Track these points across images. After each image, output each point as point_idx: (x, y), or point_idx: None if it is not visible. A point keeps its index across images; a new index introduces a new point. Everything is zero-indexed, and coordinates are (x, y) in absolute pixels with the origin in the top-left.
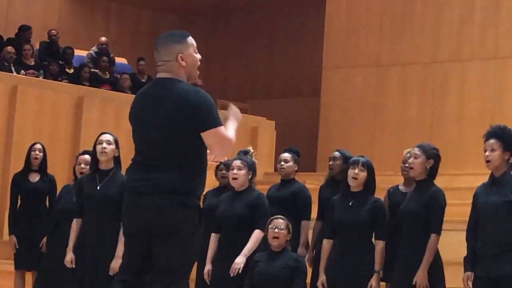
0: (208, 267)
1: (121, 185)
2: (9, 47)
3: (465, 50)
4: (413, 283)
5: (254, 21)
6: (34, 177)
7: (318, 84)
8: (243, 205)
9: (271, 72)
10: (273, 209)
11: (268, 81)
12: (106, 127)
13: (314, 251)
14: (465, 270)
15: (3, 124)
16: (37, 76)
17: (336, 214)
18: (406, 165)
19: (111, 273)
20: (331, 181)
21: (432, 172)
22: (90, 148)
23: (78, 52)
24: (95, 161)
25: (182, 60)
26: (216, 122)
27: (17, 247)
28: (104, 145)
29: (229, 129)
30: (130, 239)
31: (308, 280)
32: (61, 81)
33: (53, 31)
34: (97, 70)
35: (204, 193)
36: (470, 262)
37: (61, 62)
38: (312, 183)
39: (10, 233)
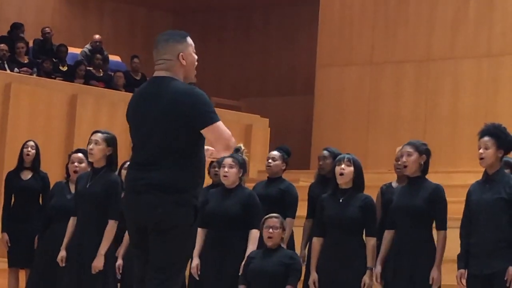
0: (196, 261)
1: (109, 184)
2: (2, 45)
3: (458, 48)
4: (430, 281)
5: (248, 20)
6: (27, 175)
7: (312, 82)
8: (235, 204)
9: (265, 70)
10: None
11: (262, 79)
12: (100, 125)
13: (307, 248)
14: (459, 268)
15: None
16: (31, 74)
17: (326, 212)
18: (399, 162)
19: (93, 271)
20: (322, 180)
21: (425, 168)
22: (84, 146)
23: (72, 50)
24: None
25: (183, 59)
26: (214, 119)
27: (9, 244)
28: (91, 146)
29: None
30: (134, 241)
31: (302, 277)
32: (54, 78)
33: (46, 28)
34: (91, 68)
35: None
36: (463, 260)
37: (54, 60)
38: (306, 180)
39: (2, 231)
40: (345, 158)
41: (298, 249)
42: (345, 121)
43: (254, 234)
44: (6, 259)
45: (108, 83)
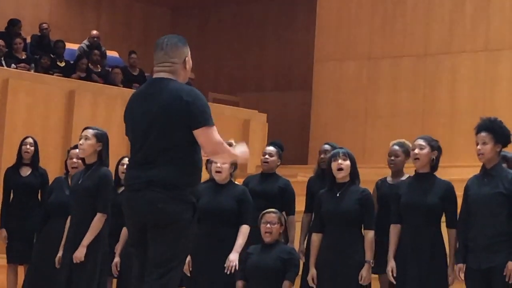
0: (188, 257)
1: (99, 176)
2: None
3: (456, 43)
4: (450, 282)
5: (245, 14)
6: (26, 171)
7: (310, 77)
8: (229, 199)
9: (262, 65)
10: (258, 203)
11: (260, 74)
12: (98, 120)
13: (305, 243)
14: (457, 262)
15: None
16: (29, 70)
17: (324, 207)
18: (392, 158)
19: (74, 261)
20: (321, 174)
21: (436, 164)
22: None
23: (70, 46)
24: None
25: (186, 64)
26: (209, 122)
27: (8, 241)
28: (81, 141)
29: (227, 147)
30: (133, 238)
31: (301, 272)
32: (52, 74)
33: (44, 24)
34: (88, 64)
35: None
36: (461, 254)
37: (52, 56)
38: (304, 175)
39: (1, 227)
40: (340, 153)
41: (294, 244)
42: (342, 116)
43: (245, 229)
44: (4, 255)
45: (106, 78)
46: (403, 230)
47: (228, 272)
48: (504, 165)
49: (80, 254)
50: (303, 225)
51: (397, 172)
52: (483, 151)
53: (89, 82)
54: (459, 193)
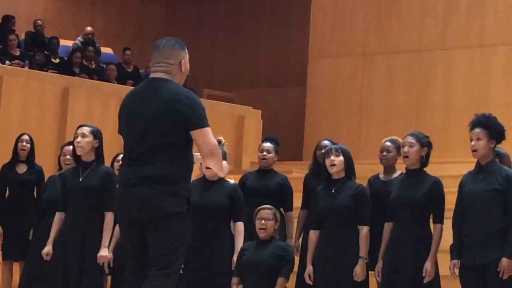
0: None
1: (103, 175)
2: None
3: (450, 39)
4: (424, 273)
5: (240, 11)
6: (22, 169)
7: (305, 73)
8: (221, 195)
9: (257, 61)
10: (256, 199)
11: (255, 70)
12: (92, 117)
13: (301, 239)
14: (452, 258)
15: None
16: (23, 66)
17: (320, 203)
18: (384, 154)
19: (99, 262)
20: (317, 170)
21: (426, 160)
22: None
23: (64, 42)
24: (76, 154)
25: (183, 66)
26: (205, 123)
27: (3, 237)
28: (79, 139)
29: (220, 152)
30: (127, 234)
31: (296, 268)
32: (47, 71)
33: (38, 21)
34: (83, 60)
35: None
36: (456, 250)
37: (46, 52)
38: (299, 172)
39: None
40: (333, 149)
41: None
42: (337, 112)
43: (239, 227)
44: (0, 252)
45: (100, 75)
46: (394, 227)
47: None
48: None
49: (105, 253)
50: (299, 222)
51: (389, 168)
52: (477, 147)
53: (83, 79)
54: (454, 189)
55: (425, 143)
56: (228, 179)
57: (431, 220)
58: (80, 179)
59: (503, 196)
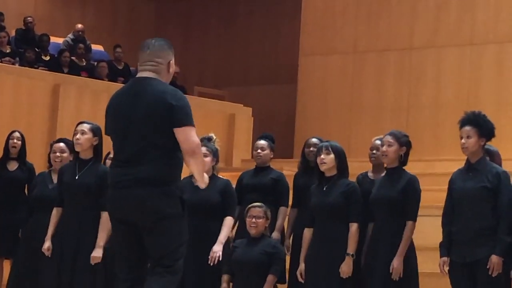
0: None
1: (100, 175)
2: None
3: (441, 37)
4: (390, 270)
5: (231, 8)
6: (13, 166)
7: (295, 71)
8: (213, 192)
9: (248, 59)
10: (252, 196)
11: (245, 68)
12: (83, 115)
13: (291, 238)
14: (441, 256)
15: None
16: (13, 64)
17: (312, 201)
18: (374, 152)
19: (92, 262)
20: (307, 168)
21: (404, 159)
22: (67, 136)
23: (54, 40)
24: (75, 150)
25: (170, 67)
26: (190, 121)
27: None
28: (78, 135)
29: (202, 154)
30: (119, 234)
31: (288, 266)
32: (37, 68)
33: (29, 18)
34: (73, 57)
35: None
36: (446, 248)
37: (37, 50)
38: (289, 169)
39: None
40: (323, 146)
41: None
42: (328, 109)
43: (229, 221)
44: None
45: (91, 72)
46: (374, 225)
47: (212, 264)
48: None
49: (98, 254)
50: (289, 220)
51: (378, 166)
52: (467, 145)
53: (74, 76)
54: (445, 186)
55: (404, 143)
56: (221, 177)
57: None
58: (77, 177)
59: (493, 194)
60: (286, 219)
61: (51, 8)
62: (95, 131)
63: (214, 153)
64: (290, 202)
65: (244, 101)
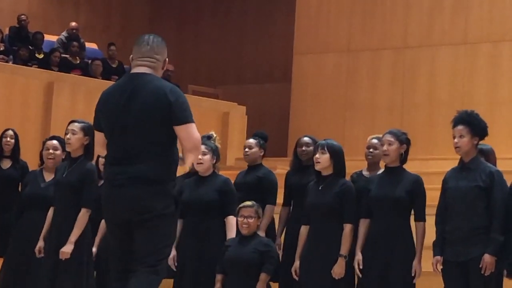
0: (173, 252)
1: (83, 172)
2: None
3: (435, 35)
4: (412, 273)
5: (225, 6)
6: (6, 164)
7: (289, 69)
8: (211, 191)
9: (242, 57)
10: (240, 195)
11: (239, 66)
12: (76, 113)
13: (283, 236)
14: (434, 254)
15: None
16: (7, 61)
17: (307, 199)
18: (371, 150)
19: (61, 257)
20: (299, 167)
21: (404, 157)
22: (60, 134)
23: (48, 37)
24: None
25: (165, 64)
26: (190, 118)
27: None
28: (69, 135)
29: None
30: (113, 232)
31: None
32: (31, 66)
33: (22, 16)
34: (67, 55)
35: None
36: (439, 247)
37: (31, 47)
38: (283, 168)
39: None
40: (320, 145)
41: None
42: (322, 108)
43: (231, 221)
44: None
45: (85, 70)
46: (372, 224)
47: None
48: (482, 158)
49: (67, 250)
50: (281, 219)
51: (374, 164)
52: (460, 144)
53: (67, 74)
54: (438, 185)
55: (404, 140)
56: (222, 175)
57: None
58: (64, 175)
59: (486, 193)
60: (277, 217)
61: (45, 6)
62: (86, 130)
63: (214, 151)
64: (281, 201)
65: (238, 100)
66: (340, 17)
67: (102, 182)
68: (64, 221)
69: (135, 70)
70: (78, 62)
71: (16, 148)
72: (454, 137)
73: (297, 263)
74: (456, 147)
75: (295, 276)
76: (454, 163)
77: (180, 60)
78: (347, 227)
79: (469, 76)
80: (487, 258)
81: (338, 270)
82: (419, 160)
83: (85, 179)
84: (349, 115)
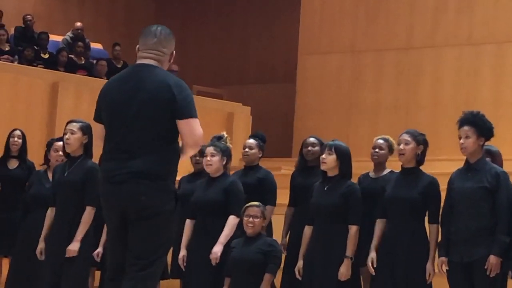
0: (183, 252)
1: (86, 171)
2: None
3: (439, 36)
4: (427, 276)
5: (229, 6)
6: (13, 164)
7: (294, 70)
8: (217, 191)
9: (246, 58)
10: None
11: (244, 66)
12: (81, 113)
13: (288, 237)
14: (440, 255)
15: None
16: (12, 62)
17: (312, 200)
18: (376, 151)
19: (67, 255)
20: (304, 168)
21: (421, 159)
22: None
23: (53, 38)
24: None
25: (172, 57)
26: (193, 113)
27: None
28: (68, 135)
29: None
30: (113, 232)
31: (283, 265)
32: (36, 66)
33: (28, 16)
34: (72, 56)
35: (178, 179)
36: (444, 247)
37: (36, 48)
38: (288, 168)
39: None
40: (327, 146)
41: (276, 237)
42: (326, 109)
43: (232, 220)
44: None
45: (90, 70)
46: (387, 225)
47: (214, 264)
48: (488, 159)
49: (74, 248)
50: (286, 219)
51: (379, 165)
52: (466, 145)
53: (72, 74)
54: (443, 186)
55: (421, 141)
56: (230, 175)
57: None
58: (65, 174)
59: (491, 195)
60: (282, 218)
61: (50, 6)
62: (85, 129)
63: (224, 152)
64: (286, 201)
65: (243, 100)
66: (344, 18)
67: None
68: (70, 221)
69: (140, 61)
70: (83, 62)
71: (23, 148)
72: (460, 138)
73: (300, 263)
74: (462, 148)
75: (298, 276)
76: (458, 164)
77: (184, 60)
78: (353, 229)
79: (474, 76)
80: (492, 259)
81: (344, 271)
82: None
83: (88, 177)
84: (353, 116)
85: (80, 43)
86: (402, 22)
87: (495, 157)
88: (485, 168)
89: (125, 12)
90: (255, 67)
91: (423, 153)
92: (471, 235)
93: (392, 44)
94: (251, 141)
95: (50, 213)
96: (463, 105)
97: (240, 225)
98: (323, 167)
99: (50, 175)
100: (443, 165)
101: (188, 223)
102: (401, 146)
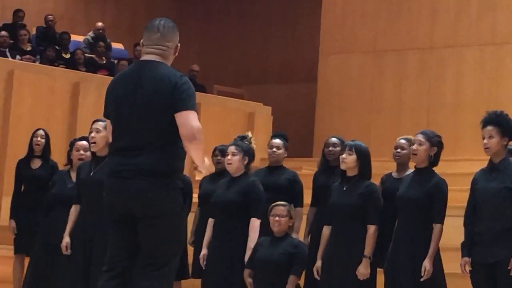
0: (204, 251)
1: None
2: (3, 32)
3: (461, 36)
4: (422, 272)
5: (250, 6)
6: (36, 164)
7: (315, 70)
8: (235, 192)
9: (267, 57)
10: (267, 195)
11: (265, 66)
12: (102, 113)
13: (309, 237)
14: (463, 256)
15: None
16: (34, 62)
17: (331, 200)
18: (398, 151)
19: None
20: (327, 168)
21: (435, 160)
22: (86, 134)
23: (75, 37)
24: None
25: (177, 50)
26: (191, 106)
27: (16, 231)
28: (93, 134)
29: (203, 139)
30: (114, 225)
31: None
32: (57, 66)
33: (49, 16)
34: (93, 56)
35: (200, 179)
36: (467, 248)
37: (57, 48)
38: (309, 168)
39: (10, 218)
40: (348, 146)
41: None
42: (347, 109)
43: (253, 223)
44: (10, 246)
45: (111, 70)
46: (397, 224)
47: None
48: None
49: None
50: (308, 219)
51: (402, 165)
52: (489, 145)
53: (94, 74)
54: (464, 186)
55: (435, 143)
56: (252, 175)
57: None
58: (91, 174)
59: None
60: (304, 218)
61: (72, 6)
62: None
63: (246, 152)
64: (309, 201)
65: (264, 100)
66: (365, 17)
67: None
68: (95, 220)
69: (144, 57)
70: (104, 62)
71: (46, 148)
72: (483, 138)
73: (318, 263)
74: (485, 148)
75: (316, 276)
76: (481, 164)
77: (205, 60)
78: (371, 228)
79: (496, 77)
80: None
81: (363, 271)
82: (444, 161)
83: None
84: (374, 116)
85: (101, 43)
86: (424, 21)
87: None
88: (509, 168)
89: (146, 12)
90: (276, 67)
91: (437, 155)
92: (494, 235)
93: (414, 44)
94: (278, 141)
95: (74, 209)
96: (485, 105)
97: (263, 225)
98: (342, 166)
99: (72, 175)
100: (464, 165)
101: (210, 223)
102: (414, 147)
